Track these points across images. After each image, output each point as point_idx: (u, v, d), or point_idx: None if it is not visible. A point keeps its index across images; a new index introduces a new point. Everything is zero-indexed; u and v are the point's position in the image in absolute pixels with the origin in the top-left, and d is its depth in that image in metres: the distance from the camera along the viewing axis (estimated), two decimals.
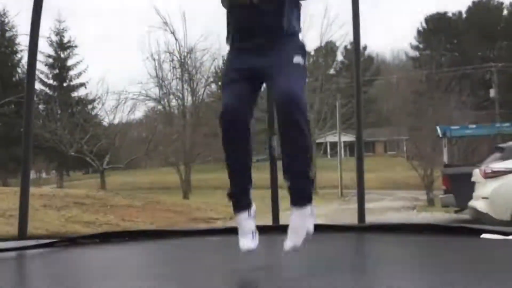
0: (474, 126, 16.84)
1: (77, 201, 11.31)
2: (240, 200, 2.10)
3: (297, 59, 2.02)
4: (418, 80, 28.25)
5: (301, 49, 2.08)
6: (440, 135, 14.33)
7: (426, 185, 17.96)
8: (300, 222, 1.97)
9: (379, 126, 34.64)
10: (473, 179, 8.03)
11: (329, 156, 34.86)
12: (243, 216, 2.07)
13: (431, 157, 17.94)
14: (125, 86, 27.12)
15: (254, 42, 2.03)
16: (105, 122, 27.16)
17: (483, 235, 2.76)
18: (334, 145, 32.84)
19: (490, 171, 7.46)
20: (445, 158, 13.95)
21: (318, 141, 27.50)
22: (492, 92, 31.67)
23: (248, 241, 2.01)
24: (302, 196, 1.99)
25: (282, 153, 2.01)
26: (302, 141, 1.94)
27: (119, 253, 2.92)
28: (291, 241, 1.95)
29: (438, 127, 14.93)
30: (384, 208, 15.60)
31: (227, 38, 2.15)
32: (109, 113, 25.95)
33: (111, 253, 2.91)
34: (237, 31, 2.09)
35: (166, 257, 2.81)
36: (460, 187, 9.26)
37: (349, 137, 34.20)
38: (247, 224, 2.06)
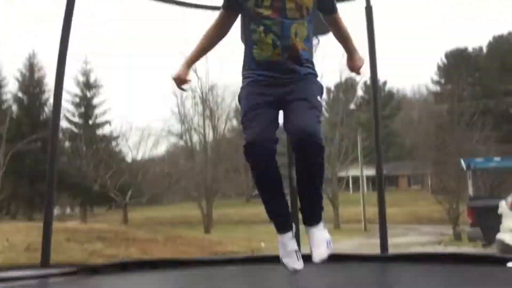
0: (498, 158, 16.50)
1: (100, 236, 11.39)
2: (282, 221, 2.21)
3: (315, 96, 2.14)
4: (440, 114, 28.03)
5: (319, 88, 2.21)
6: (465, 168, 14.08)
7: (452, 219, 17.54)
8: (319, 236, 2.17)
9: (402, 160, 34.22)
10: (499, 211, 7.83)
11: (351, 191, 34.43)
12: (288, 236, 2.18)
13: (456, 190, 17.60)
14: (148, 123, 27.65)
15: (275, 77, 2.14)
16: (129, 158, 27.59)
17: (509, 264, 2.69)
18: (356, 179, 32.50)
19: None
20: (471, 191, 13.65)
21: (339, 175, 27.26)
22: None
23: (294, 261, 2.15)
24: (316, 216, 2.20)
25: (297, 176, 2.15)
26: (317, 170, 2.11)
27: (139, 281, 2.93)
28: (317, 254, 2.13)
29: (462, 160, 14.71)
30: (409, 243, 15.21)
31: (245, 68, 2.23)
32: (133, 149, 26.40)
33: (132, 281, 2.93)
34: (258, 69, 2.18)
35: (185, 286, 2.80)
36: (487, 220, 9.04)
37: (371, 171, 33.85)
38: (291, 244, 2.17)
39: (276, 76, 2.13)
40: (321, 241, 2.16)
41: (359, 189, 26.64)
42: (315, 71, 2.24)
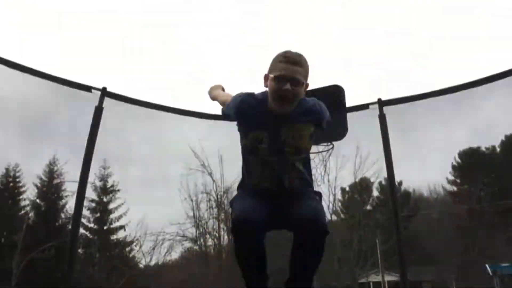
0: None
1: None
2: None
3: (313, 196, 2.27)
4: (460, 215, 27.44)
5: (316, 193, 2.35)
6: (491, 274, 13.46)
7: None
8: None
9: (424, 265, 32.84)
10: None
11: None
12: None
13: None
14: (163, 227, 27.42)
15: (273, 195, 2.29)
16: (142, 264, 26.97)
17: None
18: (377, 285, 31.03)
19: None
20: None
21: (360, 281, 26.12)
22: None
23: None
24: None
25: (294, 260, 2.17)
26: (320, 252, 2.15)
27: None
28: None
29: (487, 266, 14.10)
30: None
31: (243, 181, 2.39)
32: (146, 255, 25.90)
33: None
34: (255, 188, 2.33)
35: None
36: None
37: (392, 276, 32.37)
38: None
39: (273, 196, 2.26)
40: None
41: None
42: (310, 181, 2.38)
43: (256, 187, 2.26)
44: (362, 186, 32.29)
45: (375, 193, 36.94)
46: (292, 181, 2.25)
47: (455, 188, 39.65)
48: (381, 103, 4.05)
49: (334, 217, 27.31)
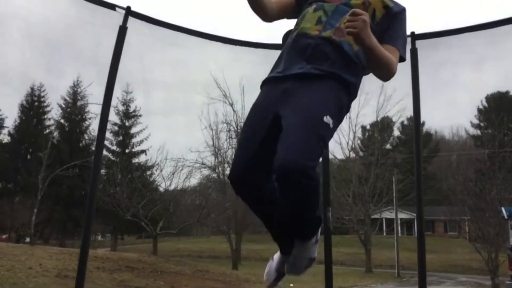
0: None
1: (129, 265, 11.40)
2: (281, 244, 2.06)
3: (321, 111, 1.71)
4: (481, 159, 27.21)
5: (334, 101, 1.79)
6: (506, 217, 13.53)
7: (491, 270, 16.72)
8: (300, 253, 1.90)
9: (438, 204, 33.20)
10: None
11: (384, 233, 33.54)
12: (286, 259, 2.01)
13: (496, 240, 16.84)
14: (182, 154, 27.89)
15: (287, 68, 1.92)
16: (162, 188, 27.86)
17: None
18: (390, 221, 31.65)
19: None
20: None
21: (373, 217, 26.63)
22: None
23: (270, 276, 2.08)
24: (304, 232, 1.86)
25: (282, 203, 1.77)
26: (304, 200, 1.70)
27: None
28: (290, 271, 1.96)
29: (503, 208, 14.15)
30: None
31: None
32: (166, 179, 26.65)
33: None
34: (279, 60, 2.02)
35: None
36: None
37: (406, 214, 32.90)
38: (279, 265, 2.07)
39: (292, 64, 1.81)
40: (300, 259, 1.90)
41: (392, 231, 25.91)
42: (349, 78, 1.81)
43: (288, 44, 1.91)
44: (383, 125, 32.03)
45: (396, 132, 36.74)
46: (341, 31, 1.79)
47: (478, 132, 39.12)
48: (415, 37, 3.86)
49: (353, 154, 27.39)
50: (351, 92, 1.87)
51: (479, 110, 39.75)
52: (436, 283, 16.50)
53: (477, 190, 21.32)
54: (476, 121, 40.10)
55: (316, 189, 1.69)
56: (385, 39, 1.91)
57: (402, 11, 2.02)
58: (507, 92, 39.13)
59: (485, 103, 40.01)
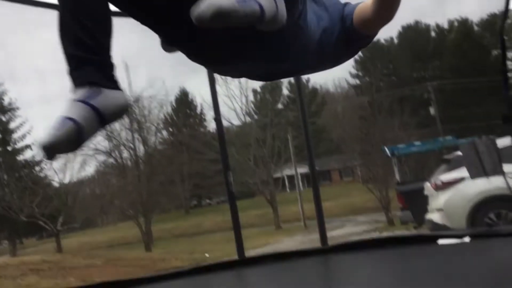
0: (419, 142, 17.57)
1: (33, 268, 10.78)
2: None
3: None
4: (362, 106, 29.36)
5: None
6: (389, 155, 14.84)
7: (384, 206, 18.37)
8: None
9: (331, 154, 35.39)
10: (425, 193, 8.34)
11: (288, 190, 35.07)
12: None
13: (385, 178, 18.47)
14: None
15: None
16: (55, 182, 26.29)
17: (440, 241, 2.89)
18: (291, 178, 33.14)
19: (440, 183, 7.76)
20: (397, 177, 14.40)
21: (275, 176, 27.69)
22: (432, 110, 33.36)
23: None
24: None
25: None
26: None
27: None
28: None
29: (386, 148, 15.48)
30: (347, 234, 15.78)
31: None
32: (59, 172, 25.17)
33: None
34: None
35: None
36: (415, 203, 9.53)
37: (305, 169, 34.65)
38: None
39: None
40: None
41: (295, 187, 27.21)
42: None
43: None
44: (272, 86, 32.98)
45: (285, 91, 38.04)
46: None
47: (357, 81, 41.91)
48: None
49: (248, 119, 27.97)
50: None
51: (356, 61, 42.40)
52: (338, 227, 17.78)
53: (362, 136, 23.06)
54: (354, 71, 42.80)
55: None
56: None
57: None
58: (378, 41, 42.12)
59: (360, 54, 42.75)
